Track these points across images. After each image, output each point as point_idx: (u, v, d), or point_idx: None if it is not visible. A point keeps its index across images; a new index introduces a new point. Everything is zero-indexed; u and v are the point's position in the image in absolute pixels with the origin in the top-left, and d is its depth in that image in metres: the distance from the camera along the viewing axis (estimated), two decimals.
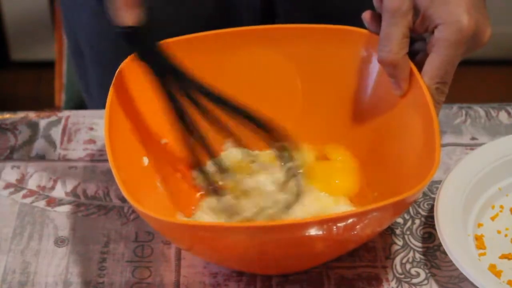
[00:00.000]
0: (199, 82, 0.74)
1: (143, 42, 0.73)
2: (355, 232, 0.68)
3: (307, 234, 0.66)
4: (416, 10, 0.74)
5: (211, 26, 0.81)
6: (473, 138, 0.87)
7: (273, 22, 0.94)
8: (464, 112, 0.90)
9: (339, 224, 0.66)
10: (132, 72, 0.76)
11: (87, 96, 1.06)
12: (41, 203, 0.82)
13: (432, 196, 0.81)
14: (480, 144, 0.85)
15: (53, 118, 0.90)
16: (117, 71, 0.76)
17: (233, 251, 0.70)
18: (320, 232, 0.66)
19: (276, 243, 0.67)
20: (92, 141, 0.88)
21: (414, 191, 0.66)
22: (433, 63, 0.74)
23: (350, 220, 0.66)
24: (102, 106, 0.97)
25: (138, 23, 0.71)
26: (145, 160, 0.76)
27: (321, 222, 0.65)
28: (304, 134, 0.81)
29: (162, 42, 0.74)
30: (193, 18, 0.93)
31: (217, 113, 0.74)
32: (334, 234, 0.67)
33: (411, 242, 0.78)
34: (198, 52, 0.80)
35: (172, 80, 0.74)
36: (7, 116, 0.90)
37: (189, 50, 0.79)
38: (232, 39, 0.80)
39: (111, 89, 0.74)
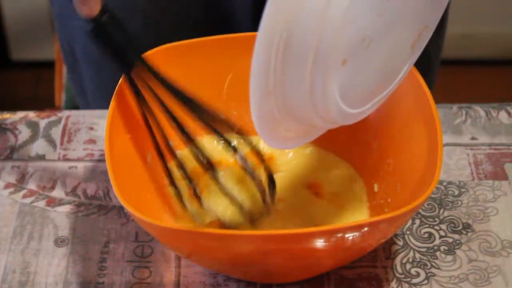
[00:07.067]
0: (164, 78, 0.72)
1: (104, 36, 0.71)
2: (362, 242, 0.68)
3: (314, 244, 0.65)
4: None
5: (202, 29, 0.80)
6: (473, 138, 0.87)
7: None
8: (464, 112, 0.90)
9: (347, 235, 0.65)
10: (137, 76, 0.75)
11: (81, 98, 1.06)
12: (41, 203, 0.82)
13: (433, 196, 0.81)
14: (480, 144, 0.85)
15: (53, 118, 0.90)
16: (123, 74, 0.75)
17: (233, 258, 0.70)
18: (326, 243, 0.65)
19: (280, 252, 0.67)
20: (92, 141, 0.88)
21: (412, 206, 0.66)
22: None
23: (359, 231, 0.65)
24: (96, 107, 0.97)
25: (97, 15, 0.69)
26: (148, 159, 0.76)
27: (327, 233, 0.64)
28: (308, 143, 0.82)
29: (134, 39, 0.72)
30: (183, 21, 0.93)
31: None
32: (339, 244, 0.66)
33: (411, 242, 0.78)
34: (203, 57, 0.80)
35: (142, 74, 0.72)
36: (7, 116, 0.90)
37: (193, 54, 0.79)
38: (240, 44, 0.80)
39: (115, 92, 0.74)
